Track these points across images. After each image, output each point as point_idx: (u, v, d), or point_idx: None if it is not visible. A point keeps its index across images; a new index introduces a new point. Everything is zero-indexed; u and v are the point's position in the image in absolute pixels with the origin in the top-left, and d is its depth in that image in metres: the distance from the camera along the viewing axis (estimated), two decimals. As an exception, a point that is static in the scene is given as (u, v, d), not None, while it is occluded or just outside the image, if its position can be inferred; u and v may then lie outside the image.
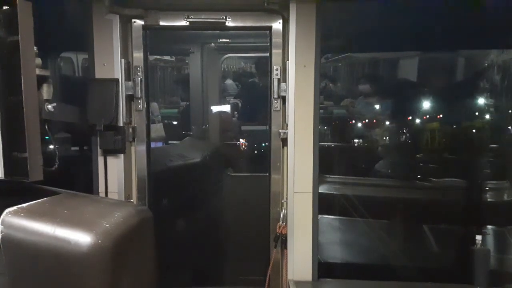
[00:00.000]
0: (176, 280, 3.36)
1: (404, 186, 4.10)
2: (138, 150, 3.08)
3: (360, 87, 4.47)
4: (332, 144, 4.29)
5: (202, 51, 4.13)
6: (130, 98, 3.00)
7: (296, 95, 2.84)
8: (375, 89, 4.33)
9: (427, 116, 4.11)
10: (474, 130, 4.00)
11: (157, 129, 3.99)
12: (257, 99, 3.94)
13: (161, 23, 2.99)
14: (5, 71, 1.99)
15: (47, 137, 2.35)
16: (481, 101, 4.02)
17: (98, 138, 2.89)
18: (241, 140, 4.04)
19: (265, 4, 2.85)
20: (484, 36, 3.62)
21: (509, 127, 4.05)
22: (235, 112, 4.30)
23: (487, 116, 4.01)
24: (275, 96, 2.97)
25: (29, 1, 1.93)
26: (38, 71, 2.10)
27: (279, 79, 2.94)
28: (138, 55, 3.01)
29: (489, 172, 3.93)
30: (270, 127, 3.06)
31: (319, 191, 2.95)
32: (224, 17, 2.96)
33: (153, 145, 3.34)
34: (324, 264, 3.37)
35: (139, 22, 2.99)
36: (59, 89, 3.40)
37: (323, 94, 4.11)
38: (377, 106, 4.32)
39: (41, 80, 2.23)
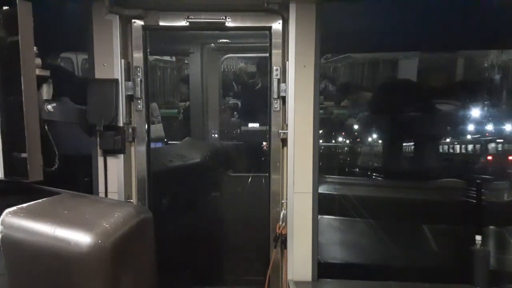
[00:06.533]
0: (176, 280, 3.36)
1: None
2: (138, 151, 3.08)
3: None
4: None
5: (202, 52, 4.13)
6: (130, 99, 3.00)
7: (296, 95, 2.84)
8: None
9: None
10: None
11: (157, 129, 3.99)
12: (256, 99, 3.95)
13: (161, 23, 2.98)
14: (5, 71, 2.00)
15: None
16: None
17: (98, 139, 2.89)
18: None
19: (265, 4, 2.84)
20: (484, 36, 3.63)
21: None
22: (235, 112, 4.31)
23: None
24: (275, 96, 2.97)
25: (29, 1, 1.93)
26: (38, 71, 2.11)
27: (279, 79, 2.94)
28: (138, 56, 3.01)
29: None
30: (270, 127, 3.06)
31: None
32: (224, 17, 2.96)
33: (153, 145, 3.34)
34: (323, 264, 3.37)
35: (139, 23, 2.99)
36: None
37: (323, 95, 4.13)
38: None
39: (41, 80, 2.24)
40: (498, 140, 4.21)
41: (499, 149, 4.22)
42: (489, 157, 4.30)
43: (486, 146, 4.26)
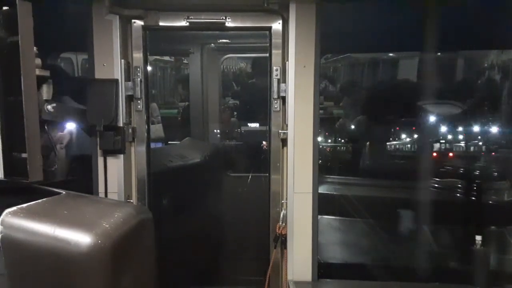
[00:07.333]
0: (176, 280, 3.36)
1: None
2: (138, 151, 3.08)
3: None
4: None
5: (202, 52, 4.13)
6: (130, 99, 3.00)
7: (296, 96, 2.84)
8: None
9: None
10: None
11: (157, 129, 4.00)
12: (256, 99, 3.95)
13: (161, 23, 2.98)
14: (5, 71, 2.00)
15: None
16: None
17: (98, 139, 2.89)
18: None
19: (265, 5, 2.84)
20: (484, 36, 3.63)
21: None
22: (235, 113, 4.32)
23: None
24: (275, 96, 2.97)
25: (29, 2, 1.93)
26: (38, 72, 2.11)
27: (278, 80, 2.94)
28: (138, 56, 3.01)
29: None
30: (269, 128, 3.06)
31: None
32: (224, 18, 2.96)
33: (152, 145, 3.34)
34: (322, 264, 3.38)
35: (139, 23, 2.98)
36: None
37: (323, 95, 4.13)
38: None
39: (41, 80, 2.24)
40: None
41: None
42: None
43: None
